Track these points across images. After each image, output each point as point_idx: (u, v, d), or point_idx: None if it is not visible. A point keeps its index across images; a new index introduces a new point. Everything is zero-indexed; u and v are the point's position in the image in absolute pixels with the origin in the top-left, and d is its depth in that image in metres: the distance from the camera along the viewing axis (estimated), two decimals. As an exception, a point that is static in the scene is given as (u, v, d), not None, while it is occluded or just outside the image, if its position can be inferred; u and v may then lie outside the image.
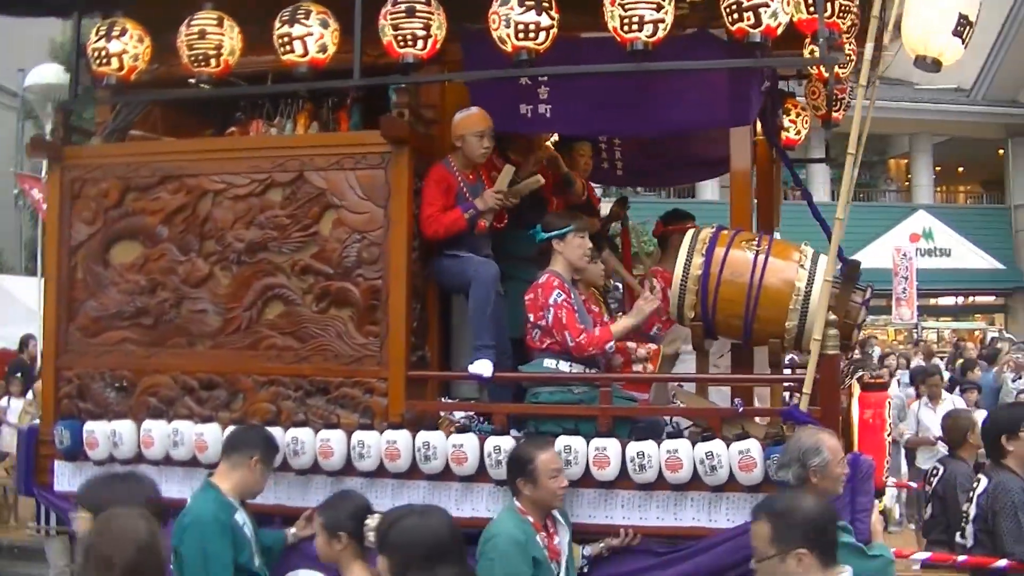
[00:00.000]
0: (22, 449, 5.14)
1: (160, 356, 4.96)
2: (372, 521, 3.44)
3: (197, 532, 4.07)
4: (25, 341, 12.63)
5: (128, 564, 2.69)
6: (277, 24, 4.56)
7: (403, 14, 4.40)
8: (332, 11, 4.58)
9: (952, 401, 9.70)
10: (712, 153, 6.36)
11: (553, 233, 4.72)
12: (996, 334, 22.45)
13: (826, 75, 5.78)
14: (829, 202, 18.67)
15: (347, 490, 4.29)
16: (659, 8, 4.17)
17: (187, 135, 5.45)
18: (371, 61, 4.71)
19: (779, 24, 4.13)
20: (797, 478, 3.83)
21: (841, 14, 4.50)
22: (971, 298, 30.07)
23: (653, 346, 4.92)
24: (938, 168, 31.42)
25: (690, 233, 4.39)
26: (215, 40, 4.66)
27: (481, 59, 4.75)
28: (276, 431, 4.57)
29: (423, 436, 4.41)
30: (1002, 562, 4.62)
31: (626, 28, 4.19)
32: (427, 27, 4.42)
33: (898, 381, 12.01)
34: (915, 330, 23.64)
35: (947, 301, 29.82)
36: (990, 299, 30.03)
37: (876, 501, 4.18)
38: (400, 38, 4.42)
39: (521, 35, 4.29)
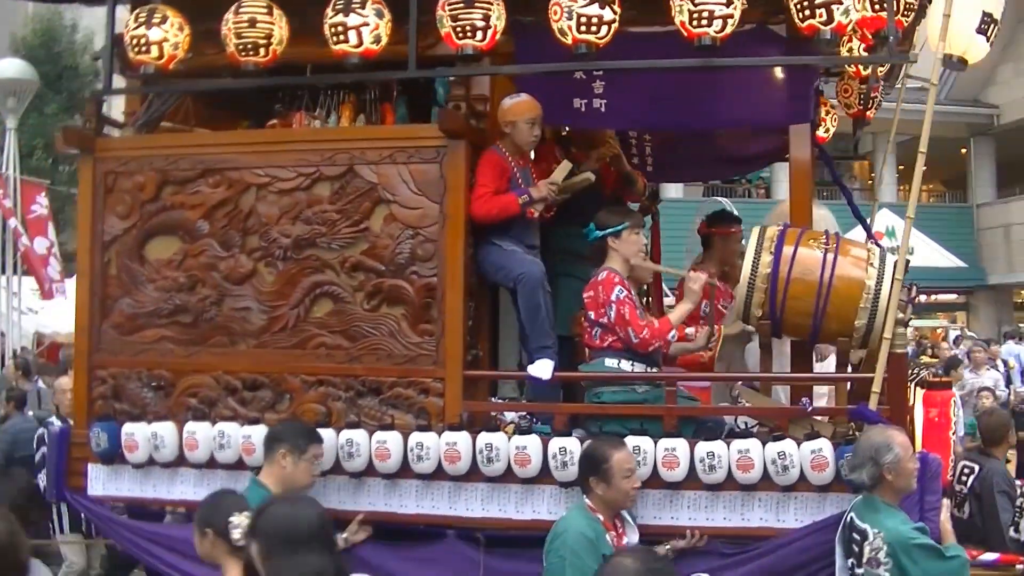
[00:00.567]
0: (53, 451, 4.93)
1: (201, 355, 4.80)
2: (237, 519, 3.36)
3: None
4: None
5: None
6: (330, 13, 4.42)
7: (462, 5, 4.28)
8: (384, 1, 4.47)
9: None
10: (743, 150, 6.34)
11: (608, 231, 4.64)
12: (958, 332, 22.75)
13: (864, 73, 5.80)
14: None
15: (226, 489, 4.14)
16: (728, 3, 4.10)
17: (220, 127, 5.30)
18: (419, 52, 4.60)
19: (850, 21, 4.10)
20: (872, 477, 3.82)
21: (905, 12, 4.47)
22: (933, 296, 30.47)
23: (690, 329, 4.88)
24: (901, 167, 31.80)
25: (756, 230, 4.34)
26: (265, 28, 4.51)
27: (533, 52, 4.67)
28: (328, 433, 4.45)
29: (485, 437, 4.31)
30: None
31: (695, 23, 4.11)
32: (486, 18, 4.30)
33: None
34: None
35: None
36: (952, 297, 30.46)
37: (945, 500, 4.16)
38: (459, 29, 4.30)
39: (583, 28, 4.19)
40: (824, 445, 4.05)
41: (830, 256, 4.18)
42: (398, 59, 4.48)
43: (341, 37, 4.41)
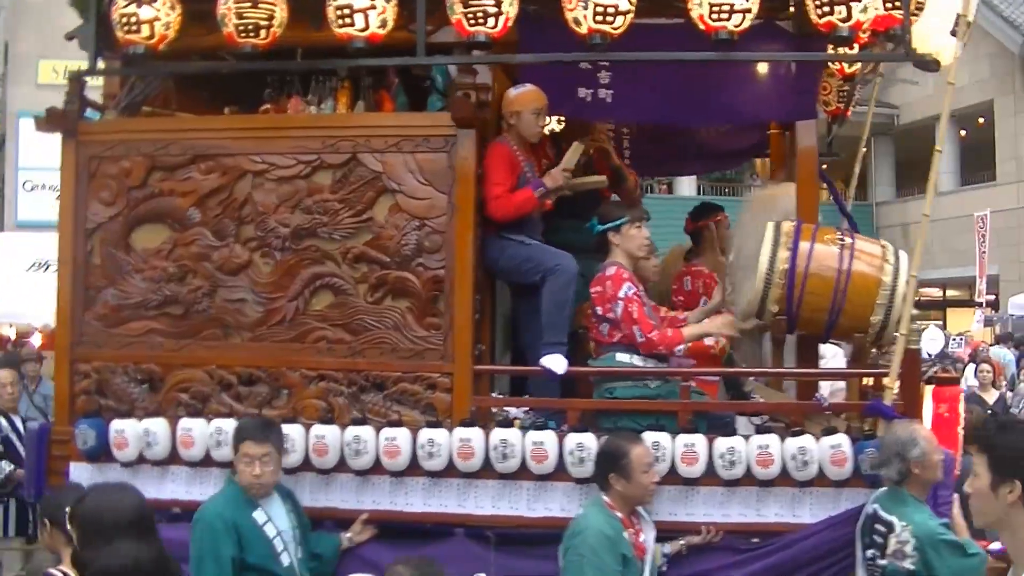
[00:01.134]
0: (32, 450, 4.67)
1: (192, 348, 4.59)
2: (71, 510, 3.32)
3: (196, 532, 3.97)
4: None
5: None
6: (336, -6, 4.27)
7: (473, -10, 4.18)
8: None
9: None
10: (722, 146, 6.36)
11: (609, 225, 4.59)
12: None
13: (849, 71, 5.84)
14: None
15: (72, 484, 4.09)
16: (750, -1, 4.09)
17: (203, 112, 5.09)
18: (414, 40, 4.47)
19: (868, 19, 4.12)
20: (899, 472, 3.85)
21: (915, 11, 4.49)
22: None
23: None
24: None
25: (771, 226, 4.32)
26: (267, 9, 4.32)
27: (537, 41, 4.58)
28: (332, 429, 4.32)
29: (500, 433, 4.22)
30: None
31: (714, 17, 4.08)
32: (499, 4, 4.19)
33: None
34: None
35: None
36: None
37: (955, 495, 4.22)
38: (471, 16, 4.19)
39: (599, 18, 4.12)
40: (843, 440, 4.07)
41: (847, 252, 4.20)
42: (396, 45, 4.36)
43: (347, 20, 4.25)
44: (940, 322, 21.76)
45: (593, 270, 4.64)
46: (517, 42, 4.67)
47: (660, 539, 4.18)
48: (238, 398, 4.54)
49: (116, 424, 4.48)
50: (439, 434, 4.25)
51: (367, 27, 4.26)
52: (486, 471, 4.27)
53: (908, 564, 3.74)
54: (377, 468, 4.33)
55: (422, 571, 3.71)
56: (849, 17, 4.05)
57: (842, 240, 4.23)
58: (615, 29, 4.14)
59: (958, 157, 23.77)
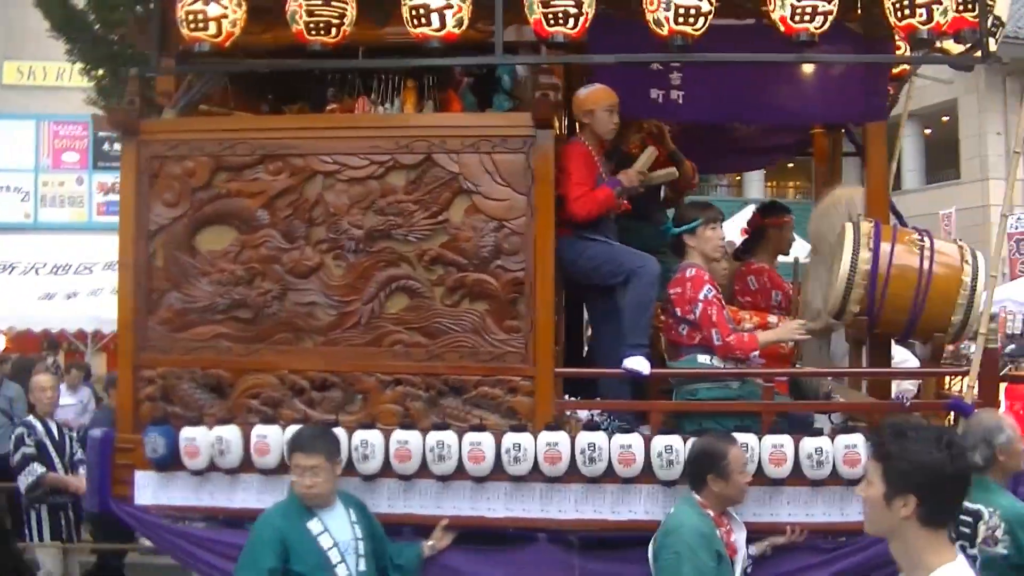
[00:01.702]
0: (94, 459, 4.53)
1: (262, 353, 4.49)
2: None
3: (249, 538, 3.94)
4: None
5: None
6: (412, -6, 4.20)
7: (555, -11, 4.14)
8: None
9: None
10: (759, 143, 6.39)
11: (684, 228, 4.60)
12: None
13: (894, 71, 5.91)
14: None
15: None
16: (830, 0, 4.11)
17: (261, 112, 5.00)
18: (482, 39, 4.44)
19: (947, 21, 4.16)
20: (985, 459, 3.92)
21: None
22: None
23: (773, 318, 4.90)
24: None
25: (849, 227, 4.36)
26: (339, 7, 4.25)
27: (606, 42, 4.56)
28: (414, 435, 4.26)
29: (588, 437, 4.19)
30: None
31: (796, 18, 4.09)
32: (579, 4, 4.16)
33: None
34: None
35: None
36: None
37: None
38: (551, 16, 4.15)
39: (681, 19, 4.11)
40: (929, 439, 4.11)
41: (927, 253, 4.25)
42: (462, 44, 4.30)
43: (423, 20, 4.18)
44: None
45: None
46: (587, 43, 4.69)
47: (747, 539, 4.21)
48: (311, 404, 4.45)
49: (187, 432, 4.37)
50: (525, 438, 4.21)
51: (443, 27, 4.20)
52: (569, 475, 4.25)
53: (1000, 548, 3.81)
54: (459, 473, 4.28)
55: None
56: (930, 19, 4.10)
57: (921, 240, 4.29)
58: (696, 30, 4.13)
59: (923, 155, 24.21)
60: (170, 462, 4.40)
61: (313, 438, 4.00)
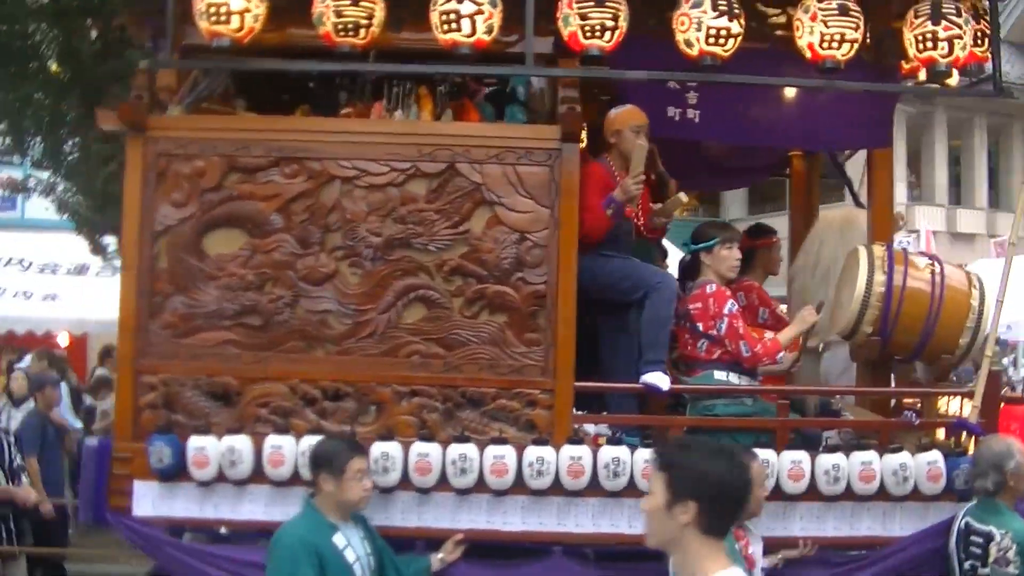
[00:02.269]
0: (90, 469, 4.30)
1: (272, 361, 4.35)
2: None
3: (275, 553, 3.80)
4: None
5: None
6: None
7: (592, 3, 4.12)
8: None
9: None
10: (738, 163, 6.50)
11: (700, 246, 4.67)
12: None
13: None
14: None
15: None
16: (857, 28, 4.23)
17: (267, 113, 4.84)
18: (500, 50, 4.42)
19: (964, 55, 4.33)
20: (996, 484, 4.07)
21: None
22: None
23: (769, 334, 4.98)
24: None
25: (863, 251, 4.48)
26: (368, 8, 4.16)
27: (627, 59, 4.59)
28: (435, 447, 4.19)
29: (611, 451, 4.19)
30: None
31: (825, 45, 4.20)
32: (615, 18, 4.18)
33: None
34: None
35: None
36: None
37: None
38: (587, 28, 4.16)
39: (711, 40, 4.17)
40: (938, 457, 4.25)
41: (938, 277, 4.40)
42: (480, 53, 4.28)
43: (453, 25, 4.13)
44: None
45: None
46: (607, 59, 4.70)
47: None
48: (323, 414, 4.33)
49: (196, 441, 4.19)
50: (548, 452, 4.19)
51: (474, 33, 4.16)
52: (588, 489, 4.24)
53: (1012, 569, 3.97)
54: (477, 487, 4.22)
55: None
56: (950, 53, 4.26)
57: (932, 265, 4.43)
58: (726, 51, 4.20)
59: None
60: (175, 472, 4.22)
61: (359, 442, 3.99)
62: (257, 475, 4.23)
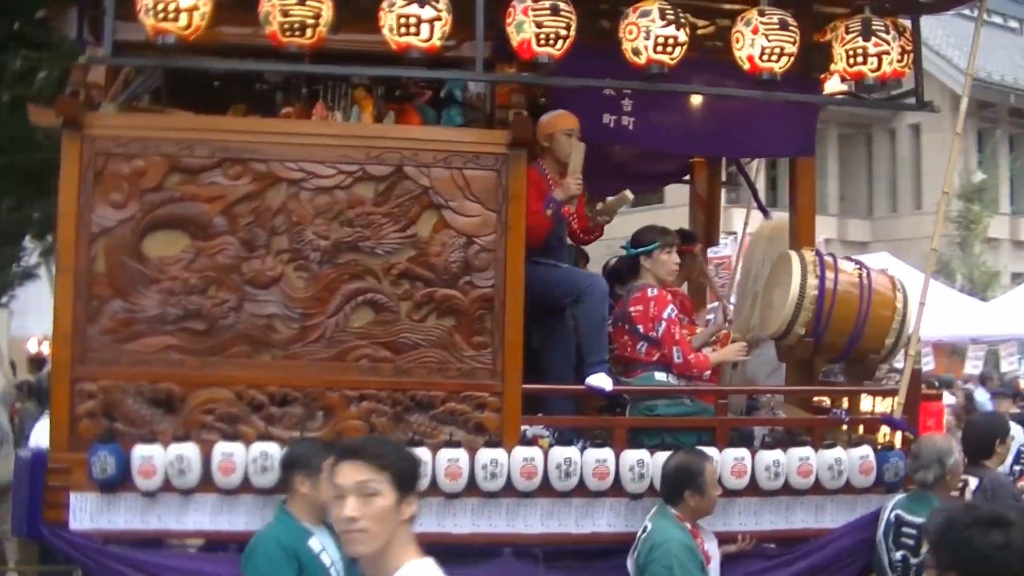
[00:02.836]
0: (23, 480, 4.13)
1: (218, 367, 4.26)
2: None
3: (253, 561, 3.78)
4: None
5: None
6: (400, 2, 4.12)
7: (548, 11, 4.19)
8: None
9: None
10: (643, 169, 6.66)
11: (640, 249, 4.78)
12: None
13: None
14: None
15: None
16: (794, 42, 4.40)
17: (199, 112, 4.73)
18: (439, 53, 4.43)
19: (893, 71, 4.55)
20: (936, 477, 4.31)
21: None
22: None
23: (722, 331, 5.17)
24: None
25: (795, 255, 4.66)
26: (315, 8, 4.11)
27: (565, 66, 4.67)
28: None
29: (563, 452, 4.27)
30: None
31: (764, 58, 4.36)
32: (568, 27, 4.26)
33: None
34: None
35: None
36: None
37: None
38: (542, 36, 4.21)
39: (659, 48, 4.28)
40: (869, 451, 4.47)
41: (865, 281, 4.62)
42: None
43: (412, 29, 4.13)
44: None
45: None
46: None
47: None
48: (270, 420, 4.27)
49: (141, 450, 4.08)
50: (501, 454, 4.23)
51: (431, 38, 4.18)
52: (538, 490, 4.30)
53: None
54: (429, 490, 4.22)
55: None
56: (879, 68, 4.48)
57: (860, 269, 4.66)
58: (673, 59, 4.32)
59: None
60: (117, 483, 4.09)
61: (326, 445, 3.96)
62: (204, 484, 4.14)
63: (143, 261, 4.27)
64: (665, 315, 4.59)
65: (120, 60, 4.31)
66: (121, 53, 4.39)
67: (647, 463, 4.28)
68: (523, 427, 4.57)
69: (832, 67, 4.80)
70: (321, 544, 3.88)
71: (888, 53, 4.47)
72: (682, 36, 4.29)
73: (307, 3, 4.11)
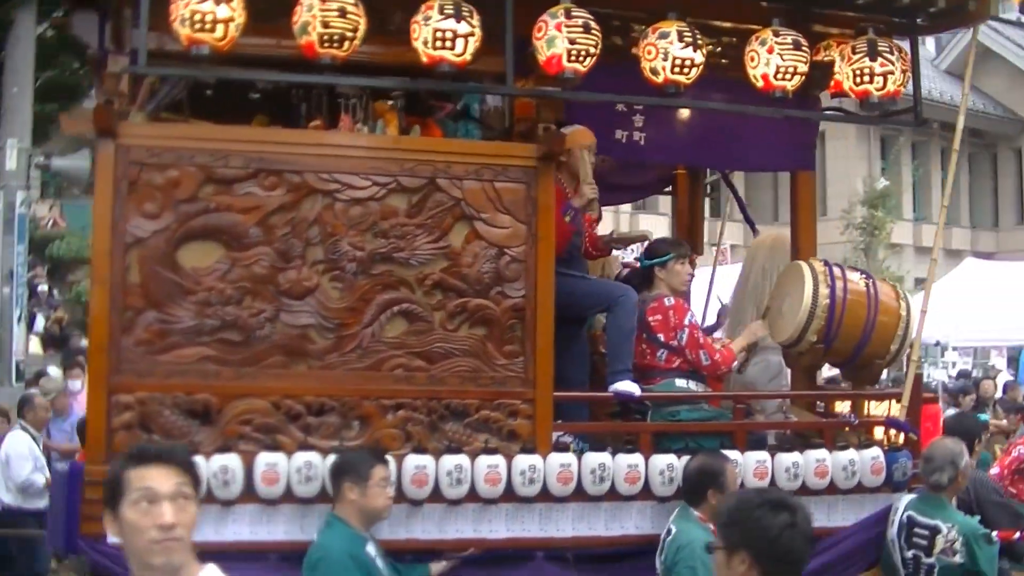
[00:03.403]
0: (60, 493, 4.06)
1: (254, 377, 4.26)
2: None
3: (325, 570, 3.86)
4: None
5: None
6: (436, 16, 4.19)
7: (581, 29, 4.31)
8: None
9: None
10: (625, 179, 6.79)
11: (656, 260, 4.94)
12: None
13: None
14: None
15: None
16: (806, 62, 4.62)
17: (220, 123, 4.73)
18: (459, 68, 4.53)
19: (895, 89, 4.80)
20: (950, 479, 4.54)
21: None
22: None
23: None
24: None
25: (805, 266, 4.87)
26: (354, 20, 4.17)
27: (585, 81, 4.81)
28: (429, 459, 4.24)
29: (597, 458, 4.39)
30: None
31: (778, 76, 4.57)
32: (597, 45, 4.39)
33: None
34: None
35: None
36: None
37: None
38: (573, 52, 4.33)
39: (676, 69, 4.46)
40: (879, 452, 4.70)
41: (872, 290, 4.85)
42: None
43: (447, 43, 4.22)
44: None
45: None
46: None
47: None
48: (307, 429, 4.29)
49: (184, 461, 4.05)
50: (537, 460, 4.33)
51: (464, 52, 4.27)
52: (575, 495, 4.41)
53: (958, 558, 4.43)
54: (467, 497, 4.31)
55: None
56: (884, 87, 4.73)
57: (866, 279, 4.89)
58: (688, 79, 4.50)
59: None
60: (160, 495, 4.06)
61: (378, 452, 4.06)
62: (245, 495, 4.15)
63: (178, 272, 4.25)
64: (686, 322, 4.76)
65: (159, 70, 4.27)
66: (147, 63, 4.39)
67: (676, 467, 4.43)
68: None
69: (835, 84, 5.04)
70: (375, 550, 3.99)
71: (892, 73, 4.71)
72: (699, 57, 4.46)
73: (347, 15, 4.16)
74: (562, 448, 4.54)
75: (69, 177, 21.08)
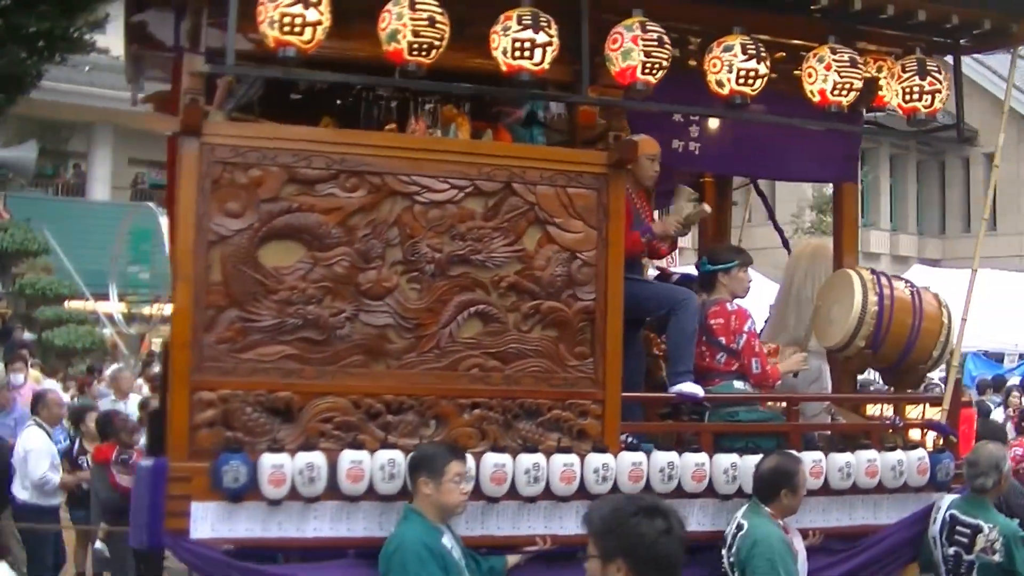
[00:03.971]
0: (144, 490, 4.05)
1: (334, 376, 4.31)
2: None
3: (401, 559, 3.94)
4: None
5: None
6: (515, 27, 4.29)
7: (655, 43, 4.44)
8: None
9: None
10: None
11: (720, 266, 5.09)
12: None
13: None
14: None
15: None
16: (861, 78, 4.80)
17: (286, 123, 4.75)
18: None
19: (942, 106, 5.01)
20: (994, 483, 4.76)
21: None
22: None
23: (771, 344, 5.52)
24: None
25: (854, 274, 5.06)
26: (442, 30, 4.25)
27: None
28: (507, 458, 4.33)
29: (666, 457, 4.52)
30: None
31: (835, 92, 4.74)
32: (669, 58, 4.52)
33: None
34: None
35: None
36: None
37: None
38: (648, 65, 4.46)
39: (741, 80, 4.62)
40: (924, 454, 4.91)
41: (917, 298, 5.06)
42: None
43: (526, 53, 4.32)
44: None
45: None
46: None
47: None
48: (386, 428, 4.35)
49: (271, 459, 4.09)
50: (609, 459, 4.44)
51: (542, 62, 4.37)
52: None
53: (997, 558, 4.66)
54: (545, 494, 4.41)
55: None
56: (931, 104, 4.93)
57: (911, 287, 5.10)
58: (753, 91, 4.65)
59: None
60: (246, 492, 4.09)
61: (455, 449, 4.13)
62: (328, 492, 4.19)
63: (259, 270, 4.28)
64: (746, 328, 4.92)
65: (245, 70, 4.29)
66: (220, 62, 4.40)
67: (739, 466, 4.59)
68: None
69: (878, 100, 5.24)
70: (451, 541, 4.06)
71: (940, 91, 4.93)
72: (762, 69, 4.61)
73: (436, 25, 4.23)
74: (633, 447, 4.65)
75: (14, 169, 20.73)
